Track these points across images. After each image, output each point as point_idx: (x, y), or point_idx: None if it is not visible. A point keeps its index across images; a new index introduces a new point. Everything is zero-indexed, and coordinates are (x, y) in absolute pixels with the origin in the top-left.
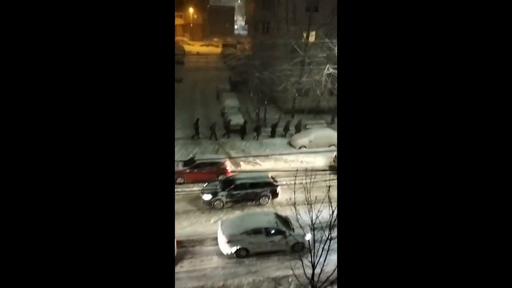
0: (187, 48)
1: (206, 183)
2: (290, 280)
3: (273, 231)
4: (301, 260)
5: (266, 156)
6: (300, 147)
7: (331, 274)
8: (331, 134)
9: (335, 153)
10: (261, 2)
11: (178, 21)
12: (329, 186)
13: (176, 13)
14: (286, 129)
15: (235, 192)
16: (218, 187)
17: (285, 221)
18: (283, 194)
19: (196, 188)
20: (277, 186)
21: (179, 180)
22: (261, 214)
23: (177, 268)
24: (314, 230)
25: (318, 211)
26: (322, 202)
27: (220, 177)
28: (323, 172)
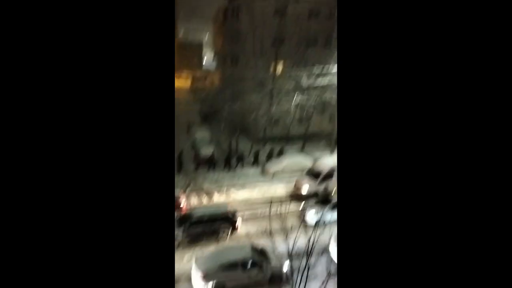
0: None
1: None
2: None
3: (249, 264)
4: None
5: (240, 185)
6: (273, 175)
7: None
8: (303, 160)
9: (296, 180)
10: (229, 36)
11: None
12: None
13: None
14: (256, 157)
15: (191, 228)
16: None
17: (261, 252)
18: (245, 226)
19: None
20: (236, 218)
21: None
22: (236, 248)
23: None
24: (291, 259)
25: (295, 239)
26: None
27: (176, 214)
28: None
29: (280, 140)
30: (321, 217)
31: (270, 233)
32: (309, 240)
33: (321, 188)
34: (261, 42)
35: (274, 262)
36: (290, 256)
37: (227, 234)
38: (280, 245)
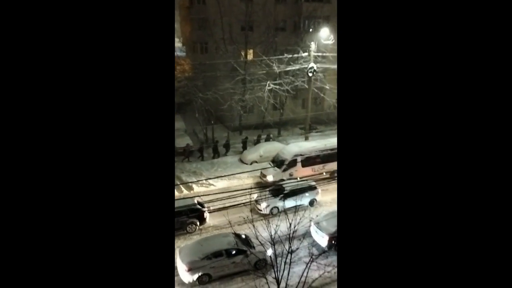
0: None
1: None
2: None
3: (234, 252)
4: (265, 278)
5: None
6: (251, 163)
7: (296, 287)
8: (280, 147)
9: (261, 171)
10: (197, 23)
11: None
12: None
13: None
14: (227, 146)
15: None
16: None
17: (245, 239)
18: (214, 218)
19: None
20: (204, 211)
21: None
22: (219, 236)
23: None
24: (274, 245)
25: (276, 226)
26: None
27: None
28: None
29: (256, 128)
30: (273, 207)
31: (251, 222)
32: (290, 225)
33: (285, 175)
34: (230, 28)
35: (258, 248)
36: (273, 241)
37: (196, 227)
38: (262, 232)
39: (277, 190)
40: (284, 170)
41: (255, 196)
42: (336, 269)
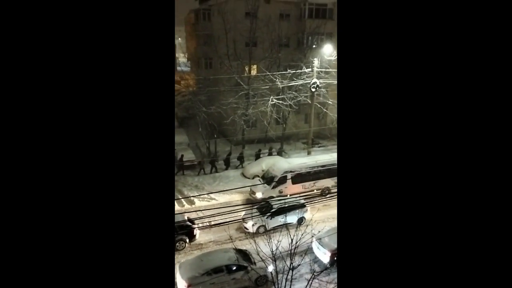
0: None
1: None
2: None
3: (234, 268)
4: None
5: (221, 188)
6: (253, 177)
7: None
8: (282, 161)
9: (251, 187)
10: (202, 39)
11: None
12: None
13: None
14: (227, 160)
15: None
16: None
17: (245, 255)
18: (205, 235)
19: None
20: (194, 228)
21: None
22: (220, 252)
23: None
24: (275, 261)
25: (278, 241)
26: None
27: None
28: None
29: (258, 142)
30: (259, 226)
31: (253, 237)
32: (292, 241)
33: (275, 192)
34: (234, 44)
35: (259, 264)
36: (274, 258)
37: (185, 244)
38: (263, 248)
39: (265, 208)
40: (274, 187)
41: (242, 214)
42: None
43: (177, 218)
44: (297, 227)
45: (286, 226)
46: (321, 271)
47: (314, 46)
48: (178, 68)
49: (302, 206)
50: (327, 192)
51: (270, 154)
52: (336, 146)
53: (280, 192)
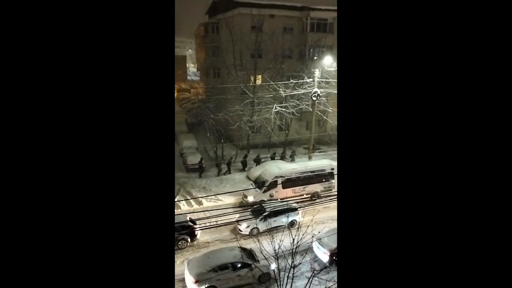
0: None
1: None
2: None
3: (239, 265)
4: None
5: (227, 190)
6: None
7: None
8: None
9: (243, 191)
10: (211, 50)
11: None
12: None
13: None
14: (229, 164)
15: None
16: None
17: (249, 253)
18: (205, 235)
19: None
20: (195, 228)
21: None
22: (226, 249)
23: None
24: (278, 260)
25: (280, 241)
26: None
27: None
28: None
29: (262, 147)
30: (253, 228)
31: (257, 236)
32: (293, 240)
33: (266, 196)
34: (240, 55)
35: (262, 262)
36: (276, 256)
37: (187, 243)
38: (266, 246)
39: (258, 211)
40: (265, 191)
41: (237, 216)
42: (336, 285)
43: (180, 219)
44: (289, 229)
45: (277, 228)
46: (321, 270)
47: (315, 57)
48: (189, 78)
49: (294, 209)
50: (316, 197)
51: (272, 158)
52: (336, 152)
53: (271, 196)
